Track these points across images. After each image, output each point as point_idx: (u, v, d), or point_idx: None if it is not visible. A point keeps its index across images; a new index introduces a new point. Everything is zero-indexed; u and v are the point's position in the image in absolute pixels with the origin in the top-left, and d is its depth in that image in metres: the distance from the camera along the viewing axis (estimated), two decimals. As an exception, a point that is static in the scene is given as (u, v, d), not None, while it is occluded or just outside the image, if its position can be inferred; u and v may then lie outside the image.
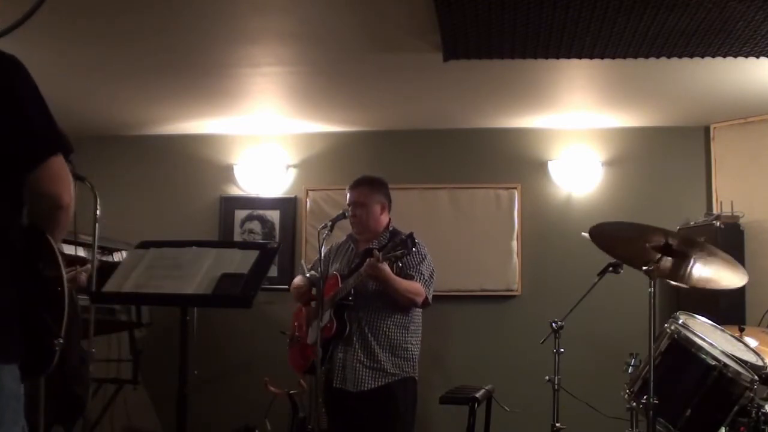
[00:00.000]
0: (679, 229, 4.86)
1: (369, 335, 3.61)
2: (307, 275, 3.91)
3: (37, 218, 1.78)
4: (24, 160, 1.70)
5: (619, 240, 3.38)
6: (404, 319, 3.67)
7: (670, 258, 3.23)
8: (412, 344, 3.69)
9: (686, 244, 3.17)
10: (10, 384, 1.65)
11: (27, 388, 1.73)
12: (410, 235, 3.47)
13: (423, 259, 3.68)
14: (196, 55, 4.07)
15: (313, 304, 3.80)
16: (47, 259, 1.78)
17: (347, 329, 3.62)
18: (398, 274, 3.62)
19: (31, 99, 1.73)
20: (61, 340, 1.76)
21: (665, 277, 3.36)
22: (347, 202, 3.81)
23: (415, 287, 3.62)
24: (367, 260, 3.51)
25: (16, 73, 1.72)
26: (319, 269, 3.63)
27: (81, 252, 3.98)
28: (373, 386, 3.58)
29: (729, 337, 3.33)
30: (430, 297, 3.69)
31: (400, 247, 3.44)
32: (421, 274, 3.64)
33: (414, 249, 3.47)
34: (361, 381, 3.58)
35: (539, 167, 5.42)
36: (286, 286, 4.14)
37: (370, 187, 3.81)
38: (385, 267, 3.49)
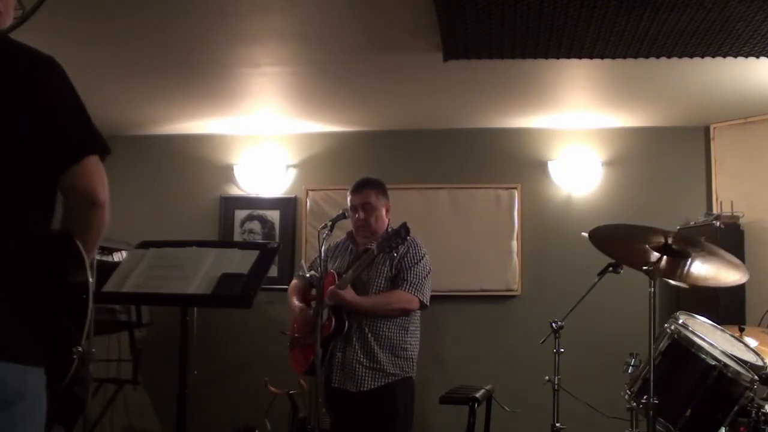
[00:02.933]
0: (679, 229, 4.86)
1: (369, 335, 3.61)
2: (307, 275, 3.91)
3: (71, 220, 1.75)
4: (59, 159, 1.67)
5: (619, 241, 3.39)
6: (404, 320, 3.67)
7: (670, 258, 3.23)
8: (411, 344, 3.69)
9: (686, 244, 3.17)
10: (39, 386, 1.62)
11: None
12: (403, 225, 3.47)
13: (420, 259, 3.68)
14: (196, 55, 4.07)
15: (313, 304, 3.80)
16: (74, 264, 1.74)
17: (346, 327, 3.61)
18: (397, 273, 3.63)
19: (67, 99, 1.71)
20: (80, 348, 1.72)
21: (665, 276, 3.37)
22: (351, 204, 3.77)
23: (395, 297, 3.61)
24: (329, 289, 3.54)
25: (53, 74, 1.70)
26: (319, 269, 3.62)
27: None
28: (373, 386, 3.58)
29: (729, 337, 3.33)
30: (425, 299, 3.67)
31: (394, 237, 3.45)
32: (415, 275, 3.63)
33: (408, 238, 3.48)
34: (361, 381, 3.57)
35: (539, 167, 5.42)
36: (286, 286, 4.13)
37: (377, 190, 3.78)
38: (346, 294, 3.53)
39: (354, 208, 3.74)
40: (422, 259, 3.68)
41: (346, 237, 3.90)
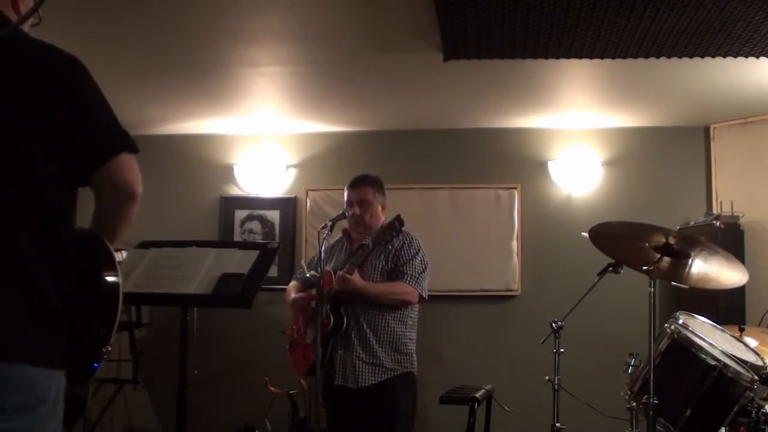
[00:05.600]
0: (679, 229, 4.86)
1: (367, 331, 3.60)
2: (307, 275, 3.91)
3: (106, 214, 1.77)
4: (95, 155, 1.69)
5: (619, 240, 3.38)
6: (403, 314, 3.67)
7: (670, 258, 3.23)
8: (410, 339, 3.69)
9: (686, 243, 3.17)
10: (60, 388, 1.62)
11: None
12: (397, 217, 3.48)
13: (417, 252, 3.68)
14: (196, 55, 4.07)
15: (312, 303, 3.80)
16: (105, 264, 1.76)
17: (344, 324, 3.61)
18: (393, 269, 3.63)
19: (98, 98, 1.73)
20: (110, 348, 1.74)
21: (665, 277, 3.37)
22: (348, 199, 3.78)
23: (400, 288, 3.61)
24: (337, 274, 3.53)
25: (81, 73, 1.71)
26: (318, 269, 3.62)
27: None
28: (373, 382, 3.57)
29: (729, 337, 3.33)
30: (424, 293, 3.68)
31: (388, 229, 3.45)
32: (414, 268, 3.64)
33: (403, 230, 3.48)
34: (362, 377, 3.57)
35: (539, 167, 5.42)
36: (286, 286, 4.12)
37: (374, 187, 3.79)
38: (356, 278, 3.51)
39: (350, 203, 3.75)
40: (418, 252, 3.69)
41: (342, 235, 3.91)
